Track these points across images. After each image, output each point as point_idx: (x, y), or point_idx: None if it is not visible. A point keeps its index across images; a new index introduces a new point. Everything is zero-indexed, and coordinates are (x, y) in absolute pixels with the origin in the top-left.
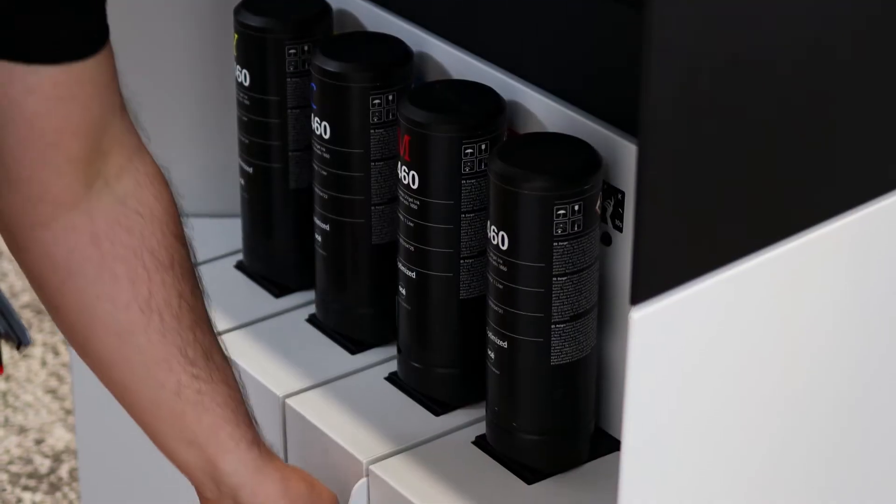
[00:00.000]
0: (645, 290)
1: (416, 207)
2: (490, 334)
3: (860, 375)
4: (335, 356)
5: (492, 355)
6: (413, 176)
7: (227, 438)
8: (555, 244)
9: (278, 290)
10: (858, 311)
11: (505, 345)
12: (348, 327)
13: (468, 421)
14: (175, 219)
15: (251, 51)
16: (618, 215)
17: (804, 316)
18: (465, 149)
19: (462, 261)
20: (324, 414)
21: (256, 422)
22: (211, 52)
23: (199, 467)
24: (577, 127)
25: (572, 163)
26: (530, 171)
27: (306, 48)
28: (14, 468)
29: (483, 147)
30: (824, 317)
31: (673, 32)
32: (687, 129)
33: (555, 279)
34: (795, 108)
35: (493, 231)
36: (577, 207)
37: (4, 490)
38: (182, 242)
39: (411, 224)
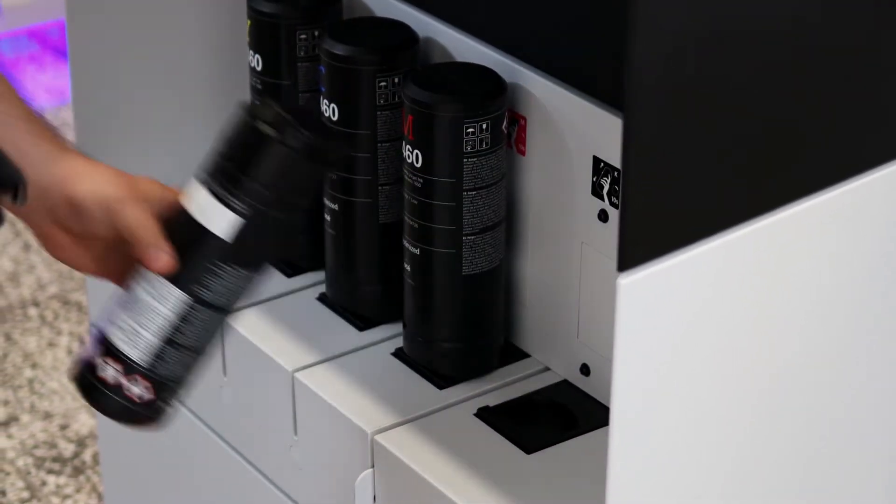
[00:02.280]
0: (632, 258)
1: (419, 185)
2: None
3: (846, 344)
4: (343, 333)
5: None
6: (417, 154)
7: (29, 147)
8: (464, 160)
9: (291, 269)
10: (843, 282)
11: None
12: (356, 305)
13: (471, 394)
14: None
15: (263, 36)
16: (614, 193)
17: (790, 286)
18: (467, 128)
19: (465, 237)
20: (331, 387)
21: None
22: (226, 38)
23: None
24: (574, 107)
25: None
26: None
27: (316, 33)
28: (39, 452)
29: (484, 126)
30: (810, 288)
31: (658, 6)
32: (671, 101)
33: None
34: (780, 80)
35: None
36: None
37: (30, 473)
38: None
39: (415, 202)
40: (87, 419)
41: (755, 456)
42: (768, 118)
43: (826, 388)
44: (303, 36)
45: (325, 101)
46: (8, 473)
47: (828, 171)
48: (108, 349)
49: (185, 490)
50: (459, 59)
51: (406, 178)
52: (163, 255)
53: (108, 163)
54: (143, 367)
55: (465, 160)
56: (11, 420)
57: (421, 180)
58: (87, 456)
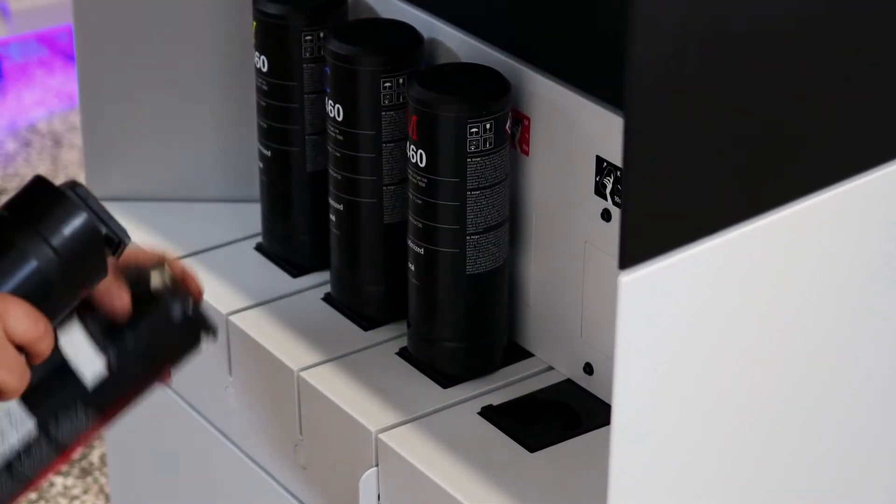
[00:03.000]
0: (633, 256)
1: (423, 185)
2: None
3: (847, 343)
4: (348, 332)
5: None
6: (421, 154)
7: None
8: (468, 160)
9: (296, 270)
10: (844, 281)
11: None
12: (361, 304)
13: (475, 393)
14: None
15: (269, 37)
16: (617, 192)
17: (791, 285)
18: (471, 128)
19: (468, 237)
20: (336, 387)
21: None
22: (232, 40)
23: None
24: (578, 107)
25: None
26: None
27: (322, 35)
28: None
29: (487, 126)
30: (811, 287)
31: (658, 6)
32: (672, 101)
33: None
34: (781, 80)
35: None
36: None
37: None
38: None
39: (419, 201)
40: None
41: (757, 455)
42: (769, 117)
43: (827, 387)
44: (308, 37)
45: (330, 101)
46: None
47: (828, 169)
48: None
49: (192, 490)
50: (463, 59)
51: (410, 178)
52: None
53: (116, 166)
54: None
55: (468, 160)
56: None
57: (425, 180)
58: (94, 457)
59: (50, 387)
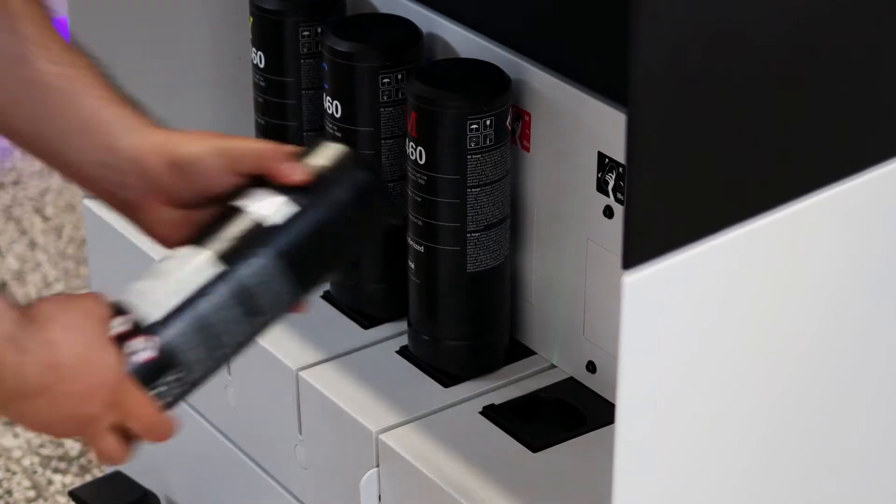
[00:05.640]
0: (636, 255)
1: (423, 182)
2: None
3: (851, 340)
4: (348, 331)
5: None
6: (420, 151)
7: (113, 118)
8: (468, 157)
9: None
10: (850, 279)
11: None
12: (361, 303)
13: (477, 392)
14: None
15: (266, 33)
16: (619, 189)
17: (797, 282)
18: (471, 124)
19: (469, 234)
20: (336, 386)
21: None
22: (228, 35)
23: (102, 160)
24: (579, 103)
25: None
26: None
27: (319, 30)
28: (45, 451)
29: (488, 123)
30: (817, 284)
31: (662, 1)
32: (676, 97)
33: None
34: (785, 75)
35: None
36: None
37: (36, 472)
38: None
39: (419, 199)
40: None
41: (762, 453)
42: (773, 114)
43: (835, 384)
44: (306, 32)
45: (328, 98)
46: (14, 473)
47: (835, 165)
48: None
49: (191, 489)
50: (463, 55)
51: (410, 175)
52: (298, 167)
53: None
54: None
55: (468, 157)
56: None
57: (425, 177)
58: (93, 455)
59: (242, 241)
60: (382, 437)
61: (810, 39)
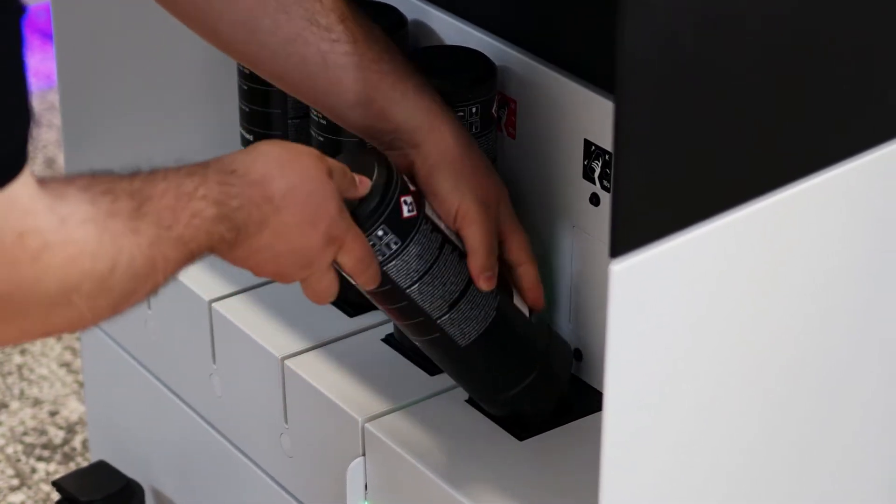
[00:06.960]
0: (624, 243)
1: None
2: None
3: (841, 328)
4: (333, 319)
5: None
6: None
7: (389, 90)
8: None
9: None
10: (840, 266)
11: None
12: (346, 290)
13: None
14: None
15: None
16: (605, 176)
17: (785, 270)
18: (457, 111)
19: None
20: (321, 375)
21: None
22: None
23: (372, 125)
24: (565, 90)
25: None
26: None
27: None
28: (29, 439)
29: (474, 110)
30: (806, 272)
31: None
32: (664, 84)
33: None
34: (775, 62)
35: None
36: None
37: (20, 460)
38: None
39: None
40: (76, 406)
41: (750, 442)
42: (762, 100)
43: (822, 372)
44: None
45: None
46: None
47: (825, 151)
48: None
49: (176, 478)
50: (448, 42)
51: None
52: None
53: (95, 146)
54: None
55: None
56: (0, 407)
57: None
58: (76, 443)
59: None
60: (368, 425)
61: (802, 25)
